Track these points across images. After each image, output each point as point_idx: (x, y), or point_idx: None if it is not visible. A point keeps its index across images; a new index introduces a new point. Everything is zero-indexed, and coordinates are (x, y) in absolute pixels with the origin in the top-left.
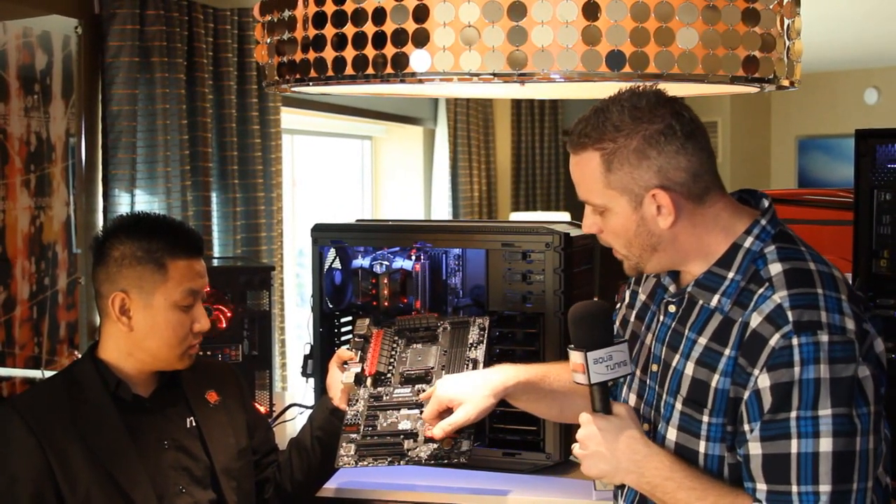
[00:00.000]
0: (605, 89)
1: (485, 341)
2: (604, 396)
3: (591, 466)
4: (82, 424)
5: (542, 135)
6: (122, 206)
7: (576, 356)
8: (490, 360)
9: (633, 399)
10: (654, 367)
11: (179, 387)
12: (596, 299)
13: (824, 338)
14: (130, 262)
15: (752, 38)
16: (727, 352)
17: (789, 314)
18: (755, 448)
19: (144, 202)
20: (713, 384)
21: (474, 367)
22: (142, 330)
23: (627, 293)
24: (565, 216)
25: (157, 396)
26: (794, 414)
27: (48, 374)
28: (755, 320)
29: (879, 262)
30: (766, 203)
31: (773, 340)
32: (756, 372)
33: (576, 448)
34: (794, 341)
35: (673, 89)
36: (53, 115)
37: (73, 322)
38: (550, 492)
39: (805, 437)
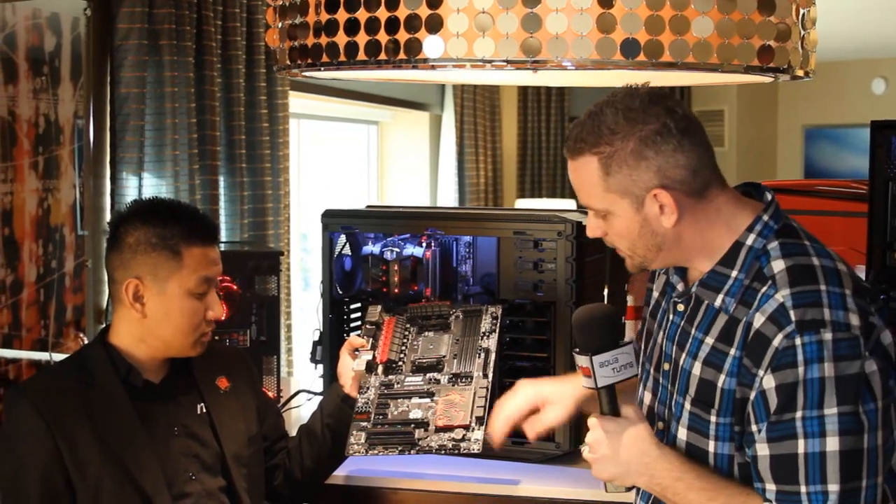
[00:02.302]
0: (616, 78)
1: (497, 330)
2: (611, 399)
3: (601, 470)
4: (92, 410)
5: (549, 121)
6: (130, 189)
7: (581, 360)
8: (501, 349)
9: (648, 397)
10: (666, 366)
11: (190, 373)
12: (601, 302)
13: (828, 336)
14: (145, 249)
15: (768, 27)
16: (732, 352)
17: (791, 314)
18: (763, 449)
19: (152, 185)
20: (720, 384)
21: (486, 357)
22: (155, 317)
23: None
24: (571, 203)
25: (168, 383)
26: (799, 414)
27: (55, 356)
28: (758, 320)
29: (894, 255)
30: (768, 197)
31: (777, 341)
32: (761, 373)
33: (585, 452)
34: (798, 341)
35: (687, 78)
36: (62, 98)
37: (80, 305)
38: (560, 481)
39: (812, 437)
